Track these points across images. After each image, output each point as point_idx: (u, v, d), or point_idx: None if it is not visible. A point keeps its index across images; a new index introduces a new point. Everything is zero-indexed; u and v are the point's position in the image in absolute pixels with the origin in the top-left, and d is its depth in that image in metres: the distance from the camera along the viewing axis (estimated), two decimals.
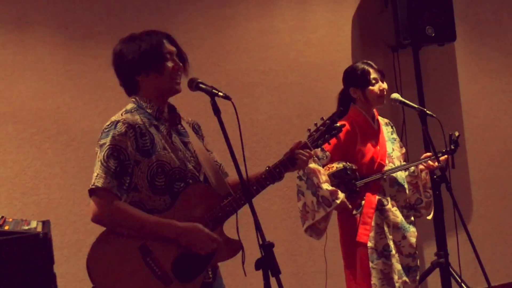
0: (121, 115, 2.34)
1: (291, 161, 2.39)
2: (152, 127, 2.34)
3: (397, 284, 3.19)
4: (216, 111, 2.22)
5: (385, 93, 3.31)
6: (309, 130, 2.46)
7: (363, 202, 3.24)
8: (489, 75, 4.96)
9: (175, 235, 2.25)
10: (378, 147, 3.31)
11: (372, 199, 3.24)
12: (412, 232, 3.31)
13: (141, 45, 2.35)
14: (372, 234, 3.20)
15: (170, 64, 2.37)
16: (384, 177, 3.26)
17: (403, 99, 3.38)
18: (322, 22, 4.56)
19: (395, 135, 3.48)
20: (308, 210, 3.20)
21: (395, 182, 3.30)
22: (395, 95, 3.40)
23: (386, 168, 3.28)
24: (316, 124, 2.46)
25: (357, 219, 3.23)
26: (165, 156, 2.32)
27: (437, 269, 4.29)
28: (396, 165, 3.32)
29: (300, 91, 4.47)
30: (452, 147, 3.42)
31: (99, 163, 2.26)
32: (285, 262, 4.27)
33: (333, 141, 2.50)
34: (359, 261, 3.22)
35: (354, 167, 3.23)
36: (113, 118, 2.33)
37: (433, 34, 4.38)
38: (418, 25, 4.35)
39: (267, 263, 2.06)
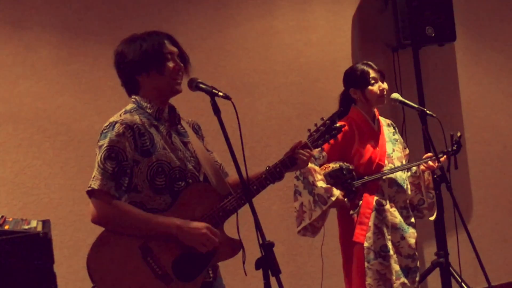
0: (120, 115, 2.34)
1: (292, 160, 2.39)
2: (152, 128, 2.35)
3: (395, 285, 3.19)
4: (216, 111, 2.22)
5: (385, 93, 3.31)
6: (309, 130, 2.46)
7: (360, 202, 3.24)
8: (489, 75, 4.97)
9: (175, 232, 2.25)
10: (377, 148, 3.31)
11: (369, 199, 3.23)
12: (411, 233, 3.30)
13: (142, 45, 2.35)
14: (369, 234, 3.20)
15: (171, 64, 2.37)
16: (384, 178, 3.26)
17: (403, 99, 3.38)
18: (322, 22, 4.56)
19: (397, 136, 3.47)
20: (305, 209, 3.21)
21: (394, 182, 3.30)
22: (395, 95, 3.40)
23: (385, 168, 3.28)
24: (316, 125, 2.46)
25: (355, 219, 3.23)
26: (165, 155, 2.32)
27: (437, 269, 4.30)
28: (396, 166, 3.32)
29: (300, 91, 4.47)
30: (455, 147, 3.42)
31: (97, 164, 2.27)
32: (285, 262, 4.28)
33: (331, 141, 2.50)
34: (355, 261, 3.23)
35: (351, 167, 3.23)
36: (112, 119, 2.33)
37: (433, 34, 4.38)
38: (418, 25, 4.35)
39: (267, 263, 2.06)
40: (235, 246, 2.37)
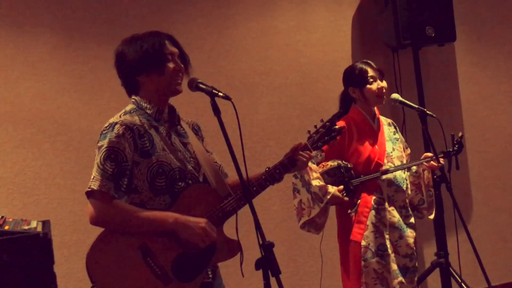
0: (120, 116, 2.34)
1: (291, 162, 2.39)
2: (151, 129, 2.35)
3: (392, 284, 3.19)
4: (216, 111, 2.22)
5: (384, 91, 3.31)
6: (308, 131, 2.46)
7: (358, 201, 3.24)
8: (489, 75, 4.97)
9: (173, 224, 2.25)
10: (376, 147, 3.31)
11: (367, 198, 3.23)
12: (409, 233, 3.29)
13: (143, 45, 2.35)
14: (367, 233, 3.20)
15: (171, 65, 2.37)
16: (383, 177, 3.26)
17: (403, 99, 3.38)
18: (322, 22, 4.56)
19: (398, 135, 3.47)
20: (304, 207, 3.21)
21: (393, 182, 3.30)
22: (395, 95, 3.40)
23: (384, 168, 3.28)
24: (315, 126, 2.46)
25: (353, 218, 3.23)
26: (165, 156, 2.32)
27: (437, 269, 4.30)
28: (395, 165, 3.32)
29: (300, 91, 4.47)
30: (456, 147, 3.42)
31: (96, 165, 2.27)
32: (285, 262, 4.28)
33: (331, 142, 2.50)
34: (352, 259, 3.23)
35: (349, 166, 3.23)
36: (111, 120, 2.33)
37: (433, 34, 4.38)
38: (418, 25, 4.35)
39: (267, 263, 2.06)
40: (233, 247, 2.37)
